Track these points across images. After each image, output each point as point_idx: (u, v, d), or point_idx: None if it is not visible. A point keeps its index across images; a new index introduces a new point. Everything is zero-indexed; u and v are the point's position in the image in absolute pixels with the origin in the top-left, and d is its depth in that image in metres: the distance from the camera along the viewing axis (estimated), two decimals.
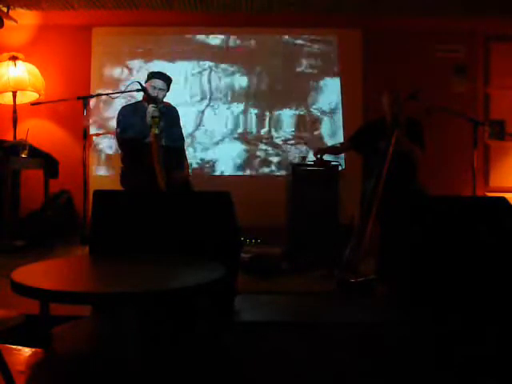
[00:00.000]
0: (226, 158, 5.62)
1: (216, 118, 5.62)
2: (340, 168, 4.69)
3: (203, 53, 5.63)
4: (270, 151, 5.64)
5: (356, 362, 2.28)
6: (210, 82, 5.64)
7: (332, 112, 5.65)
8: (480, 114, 5.48)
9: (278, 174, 5.58)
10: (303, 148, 5.59)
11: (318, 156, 4.46)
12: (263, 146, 5.64)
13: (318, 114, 5.66)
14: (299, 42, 5.69)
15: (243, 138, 5.60)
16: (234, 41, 5.66)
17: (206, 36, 5.64)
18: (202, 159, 5.60)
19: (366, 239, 3.56)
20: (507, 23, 5.39)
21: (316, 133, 5.67)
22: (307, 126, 5.67)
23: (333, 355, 2.34)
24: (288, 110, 5.65)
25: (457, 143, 5.24)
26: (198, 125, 5.59)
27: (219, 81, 5.65)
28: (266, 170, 5.64)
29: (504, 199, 2.87)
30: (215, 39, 5.66)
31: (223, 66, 5.64)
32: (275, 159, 5.63)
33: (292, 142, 5.65)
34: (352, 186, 4.49)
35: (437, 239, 2.73)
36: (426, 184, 4.02)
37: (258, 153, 5.64)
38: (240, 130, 5.62)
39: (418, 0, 5.04)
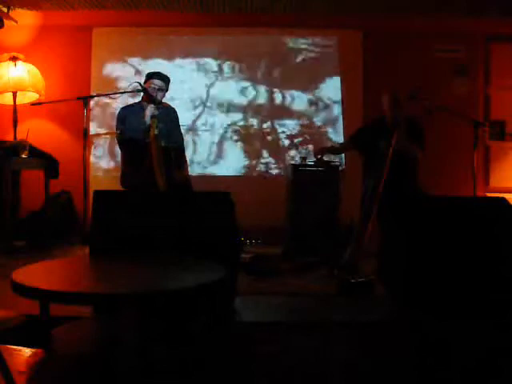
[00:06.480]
0: (226, 158, 5.63)
1: (215, 118, 5.63)
2: (340, 168, 4.69)
3: (203, 53, 5.63)
4: (270, 152, 5.66)
5: (356, 362, 2.28)
6: (209, 81, 5.65)
7: (332, 112, 5.66)
8: (480, 114, 5.48)
9: (277, 174, 5.58)
10: (304, 148, 5.60)
11: (319, 156, 4.46)
12: (263, 147, 5.66)
13: (318, 114, 5.66)
14: (300, 42, 5.68)
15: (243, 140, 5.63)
16: (233, 41, 5.66)
17: (206, 36, 5.64)
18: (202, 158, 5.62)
19: (366, 239, 3.56)
20: (507, 23, 5.39)
21: (316, 132, 5.68)
22: (307, 125, 5.67)
23: (333, 355, 2.34)
24: (288, 109, 5.66)
25: (457, 143, 5.24)
26: (194, 129, 5.60)
27: (218, 80, 5.65)
28: (266, 170, 5.64)
29: (504, 199, 2.87)
30: (214, 40, 5.66)
31: (222, 66, 5.64)
32: (275, 161, 5.65)
33: (292, 142, 5.66)
34: (352, 186, 4.49)
35: (436, 239, 2.73)
36: (426, 184, 4.02)
37: (258, 154, 5.65)
38: (239, 132, 5.63)
39: (418, 0, 5.04)
